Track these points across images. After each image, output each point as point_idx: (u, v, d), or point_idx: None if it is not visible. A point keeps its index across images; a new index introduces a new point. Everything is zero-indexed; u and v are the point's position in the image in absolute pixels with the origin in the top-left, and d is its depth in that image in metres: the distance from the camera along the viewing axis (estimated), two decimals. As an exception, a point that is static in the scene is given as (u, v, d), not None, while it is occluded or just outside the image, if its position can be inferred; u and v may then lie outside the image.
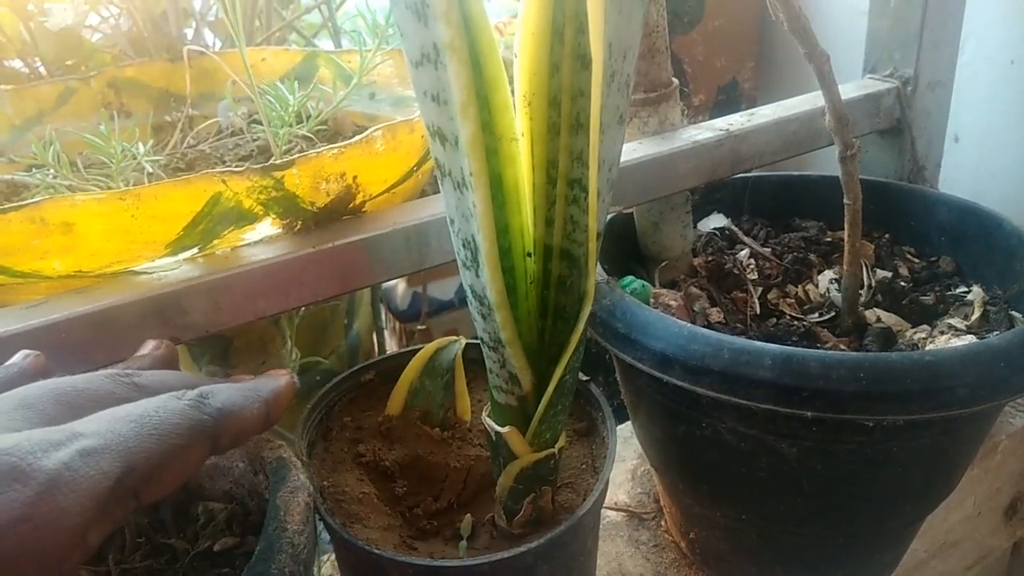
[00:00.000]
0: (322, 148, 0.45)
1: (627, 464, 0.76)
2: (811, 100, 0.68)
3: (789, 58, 1.08)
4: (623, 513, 0.71)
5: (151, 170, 0.59)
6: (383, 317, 1.13)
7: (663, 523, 0.69)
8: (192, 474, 0.28)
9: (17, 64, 0.80)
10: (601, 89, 0.32)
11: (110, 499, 0.24)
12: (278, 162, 0.43)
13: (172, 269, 0.46)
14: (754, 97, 1.10)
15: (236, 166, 0.43)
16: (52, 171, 0.58)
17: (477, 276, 0.39)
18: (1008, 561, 0.88)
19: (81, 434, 0.24)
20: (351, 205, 0.50)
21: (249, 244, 0.48)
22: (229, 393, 0.30)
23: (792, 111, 0.66)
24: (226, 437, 0.29)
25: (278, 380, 0.34)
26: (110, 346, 0.43)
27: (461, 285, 1.20)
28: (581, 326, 0.40)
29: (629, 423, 0.64)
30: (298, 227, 0.49)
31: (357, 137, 0.46)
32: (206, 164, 0.63)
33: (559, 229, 0.40)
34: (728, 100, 1.07)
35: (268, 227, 0.48)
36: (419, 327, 1.07)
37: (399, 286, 1.17)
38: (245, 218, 0.45)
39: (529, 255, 0.41)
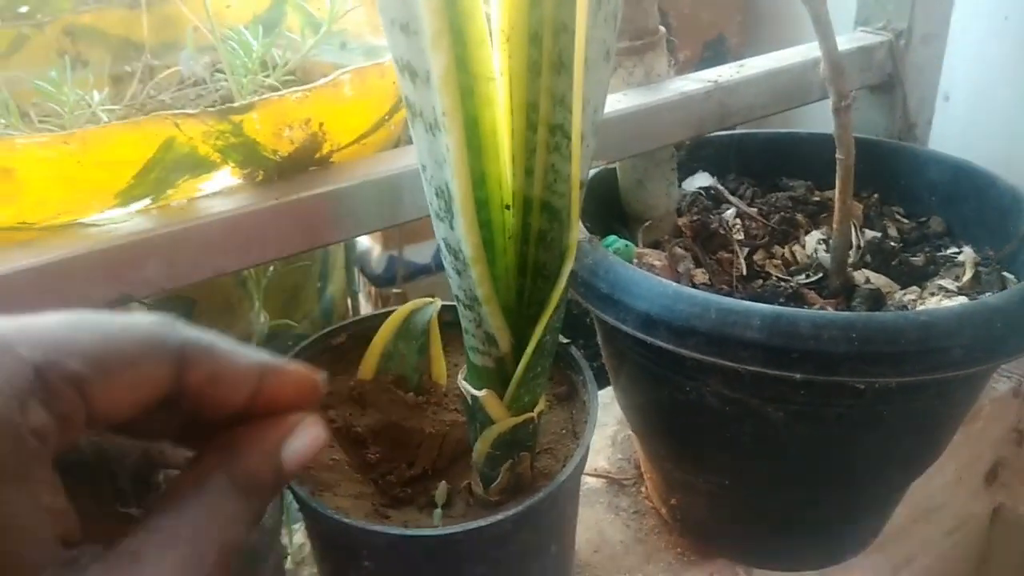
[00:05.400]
0: (285, 92, 0.42)
1: (607, 430, 0.74)
2: (803, 52, 0.66)
3: (778, 13, 1.06)
4: (603, 479, 0.69)
5: (107, 119, 0.56)
6: (357, 281, 1.10)
7: (643, 489, 0.68)
8: (155, 394, 0.25)
9: (-36, 9, 0.75)
10: (587, 18, 0.29)
11: (36, 386, 0.22)
12: (236, 105, 0.40)
13: (123, 221, 0.42)
14: (741, 54, 1.07)
15: (191, 110, 0.40)
16: (2, 120, 0.54)
17: (451, 228, 0.36)
18: (988, 526, 0.88)
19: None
20: (318, 155, 0.47)
21: (207, 195, 0.45)
22: (212, 335, 0.27)
23: (783, 63, 0.64)
24: (196, 369, 0.26)
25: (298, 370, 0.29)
26: (57, 302, 0.40)
27: (439, 249, 1.17)
28: (563, 283, 0.38)
29: (609, 388, 0.63)
30: (260, 177, 0.45)
31: (323, 80, 0.43)
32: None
33: (539, 179, 0.38)
34: (714, 56, 1.04)
35: (227, 177, 0.45)
36: (395, 291, 1.05)
37: (374, 249, 1.14)
38: (201, 166, 0.42)
39: (507, 207, 0.39)
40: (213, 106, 0.59)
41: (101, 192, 0.41)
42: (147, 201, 0.43)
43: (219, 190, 0.45)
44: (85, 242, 0.41)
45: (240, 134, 0.41)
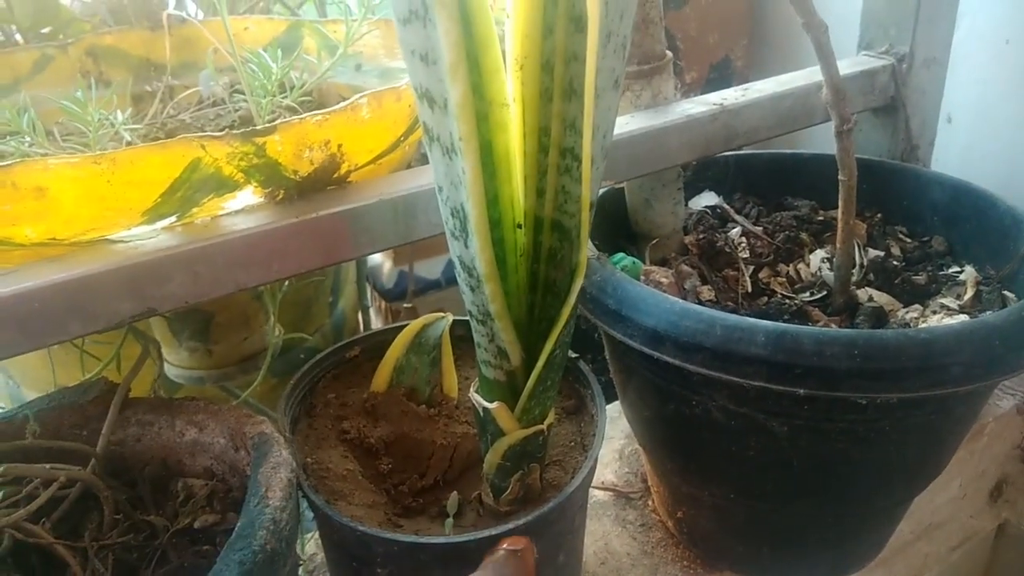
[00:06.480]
0: (305, 115, 0.44)
1: (614, 444, 0.75)
2: (807, 76, 0.67)
3: (783, 36, 1.07)
4: (610, 493, 0.70)
5: (129, 139, 0.57)
6: (369, 296, 1.11)
7: (650, 503, 0.68)
8: None
9: (-8, 31, 0.77)
10: (597, 50, 0.31)
11: None
12: (259, 127, 0.41)
13: (149, 238, 0.44)
14: (746, 76, 1.09)
15: (216, 132, 0.42)
16: (27, 139, 0.56)
17: (466, 246, 0.38)
18: (992, 542, 0.88)
19: None
20: (336, 175, 0.48)
21: (230, 213, 0.46)
22: None
23: (787, 86, 0.65)
24: None
25: None
26: (85, 316, 0.42)
27: (448, 264, 1.19)
28: (572, 299, 0.39)
29: (617, 403, 0.64)
30: (280, 196, 0.47)
31: (342, 104, 0.45)
32: (186, 133, 0.61)
33: (550, 200, 0.39)
34: (720, 78, 1.06)
35: (250, 196, 0.46)
36: (405, 306, 1.06)
37: (385, 264, 1.15)
38: (225, 186, 0.43)
39: (519, 227, 0.40)
40: (233, 126, 0.61)
41: (129, 210, 0.42)
42: (172, 219, 0.44)
43: (241, 208, 0.47)
44: (112, 258, 0.43)
45: (263, 155, 0.42)
